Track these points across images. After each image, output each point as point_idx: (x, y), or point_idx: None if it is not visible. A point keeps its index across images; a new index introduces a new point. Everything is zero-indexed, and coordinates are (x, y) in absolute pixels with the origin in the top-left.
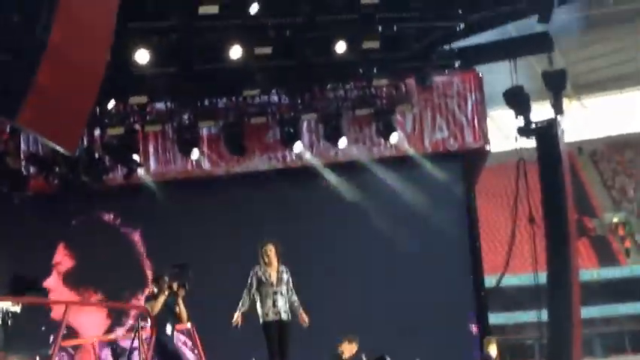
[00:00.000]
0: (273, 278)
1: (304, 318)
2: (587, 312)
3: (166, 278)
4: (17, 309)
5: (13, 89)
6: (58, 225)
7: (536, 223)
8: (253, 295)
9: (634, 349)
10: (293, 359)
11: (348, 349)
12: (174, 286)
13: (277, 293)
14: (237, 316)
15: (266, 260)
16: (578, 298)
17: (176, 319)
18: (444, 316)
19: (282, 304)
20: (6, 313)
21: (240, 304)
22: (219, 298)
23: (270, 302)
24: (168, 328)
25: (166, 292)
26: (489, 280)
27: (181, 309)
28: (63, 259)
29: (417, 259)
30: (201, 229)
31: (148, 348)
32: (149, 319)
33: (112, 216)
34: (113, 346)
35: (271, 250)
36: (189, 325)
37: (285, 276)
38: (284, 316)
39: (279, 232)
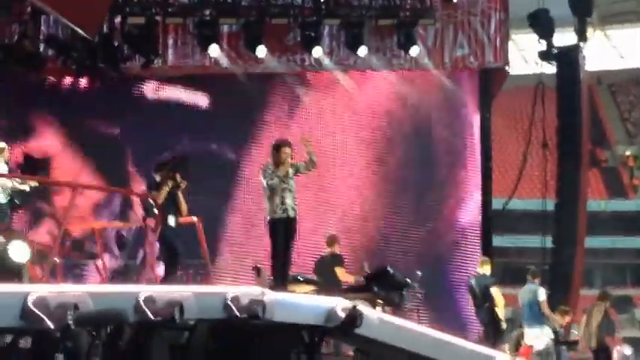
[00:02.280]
0: (282, 175)
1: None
2: (591, 242)
3: (170, 168)
4: (26, 188)
5: None
6: (71, 110)
7: (549, 149)
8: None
9: (634, 282)
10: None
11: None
12: (178, 177)
13: (285, 190)
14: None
15: (282, 159)
16: (584, 228)
17: (178, 212)
18: (450, 234)
19: (290, 200)
20: (15, 192)
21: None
22: (221, 195)
23: (278, 199)
24: (171, 220)
25: (169, 183)
26: (497, 202)
27: (182, 201)
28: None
29: (428, 173)
30: (212, 125)
31: (153, 237)
32: (155, 209)
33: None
34: (119, 234)
35: (287, 152)
36: (194, 218)
37: (291, 171)
38: (291, 213)
39: (290, 133)
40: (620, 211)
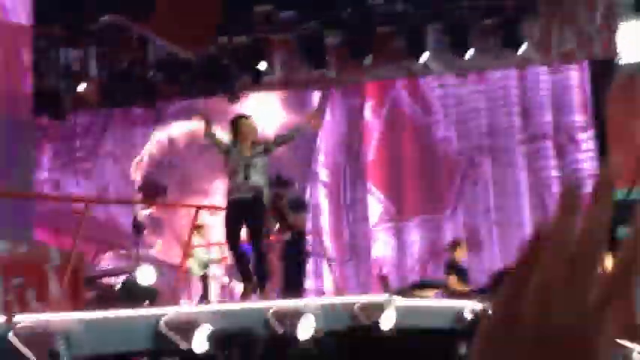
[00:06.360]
0: (246, 151)
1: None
2: None
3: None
4: (147, 212)
5: None
6: None
7: None
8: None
9: None
10: None
11: (461, 253)
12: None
13: (250, 165)
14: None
15: (242, 134)
16: None
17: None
18: None
19: (256, 177)
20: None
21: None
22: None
23: (241, 176)
24: (286, 235)
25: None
26: (619, 193)
27: (288, 215)
28: None
29: (542, 171)
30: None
31: (274, 253)
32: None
33: None
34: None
35: (246, 124)
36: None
37: (259, 149)
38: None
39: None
40: None
